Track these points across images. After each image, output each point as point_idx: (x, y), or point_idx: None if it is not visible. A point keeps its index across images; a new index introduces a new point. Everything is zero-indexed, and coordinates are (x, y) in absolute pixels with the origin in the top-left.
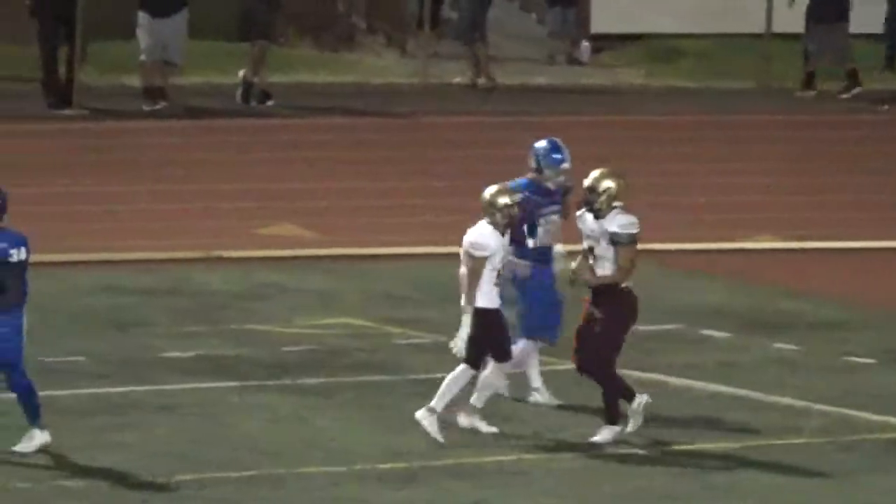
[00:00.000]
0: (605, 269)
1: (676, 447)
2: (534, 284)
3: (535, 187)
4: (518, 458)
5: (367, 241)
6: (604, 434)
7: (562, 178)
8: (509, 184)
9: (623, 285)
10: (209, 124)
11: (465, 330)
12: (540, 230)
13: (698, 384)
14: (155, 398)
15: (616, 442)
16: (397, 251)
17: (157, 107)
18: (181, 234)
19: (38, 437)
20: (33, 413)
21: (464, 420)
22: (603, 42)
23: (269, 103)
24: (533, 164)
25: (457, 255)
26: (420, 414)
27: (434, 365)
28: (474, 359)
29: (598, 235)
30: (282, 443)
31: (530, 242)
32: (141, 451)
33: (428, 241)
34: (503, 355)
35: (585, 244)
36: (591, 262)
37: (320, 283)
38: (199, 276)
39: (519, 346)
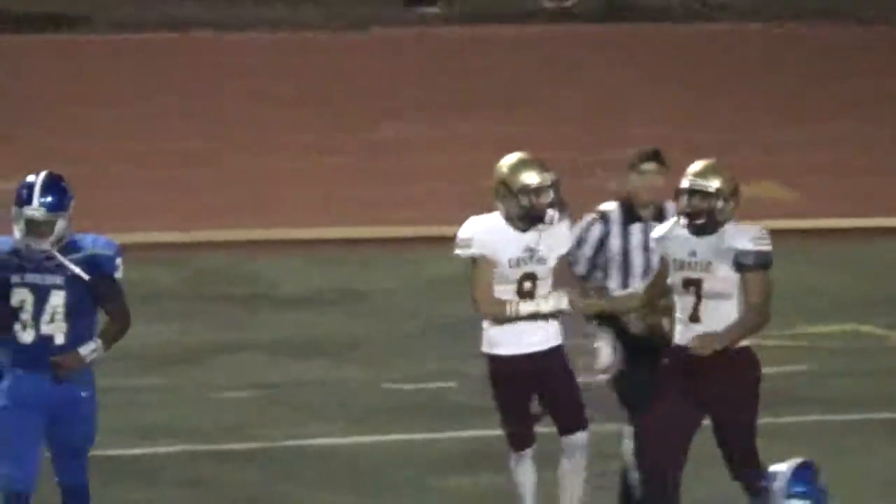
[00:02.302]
0: (727, 312)
1: None
2: None
3: None
4: None
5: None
6: None
7: None
8: None
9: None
10: (636, 29)
11: None
12: None
13: None
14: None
15: None
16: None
17: (567, 3)
18: None
19: None
20: None
21: None
22: None
23: None
24: None
25: None
26: None
27: None
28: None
29: (707, 260)
30: None
31: None
32: None
33: None
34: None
35: (678, 277)
36: (690, 305)
37: (807, 268)
38: None
39: None
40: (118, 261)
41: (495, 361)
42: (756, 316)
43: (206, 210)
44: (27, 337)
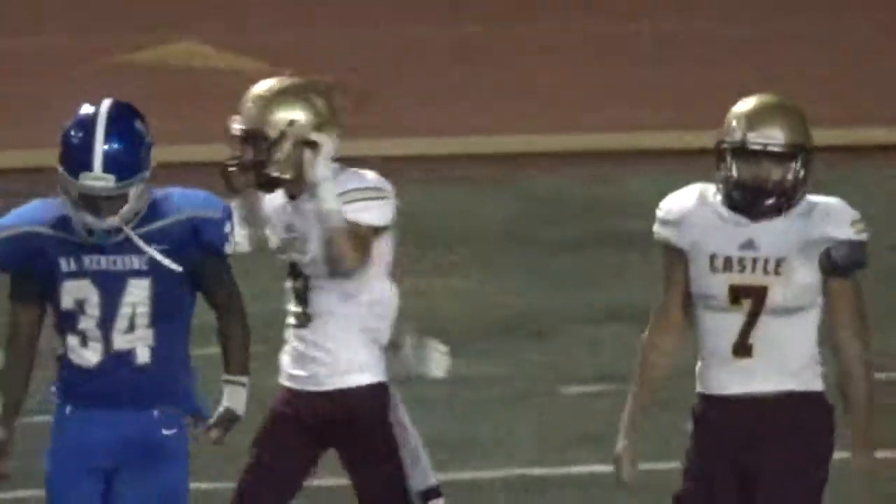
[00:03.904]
0: (795, 337)
1: None
2: None
3: None
4: None
5: None
6: None
7: None
8: None
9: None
10: None
11: None
12: None
13: None
14: None
15: None
16: None
17: None
18: None
19: None
20: None
21: None
22: None
23: None
24: None
25: None
26: None
27: None
28: None
29: (779, 256)
30: None
31: None
32: None
33: None
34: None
35: (718, 285)
36: (737, 327)
37: None
38: None
39: None
40: (228, 227)
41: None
42: (865, 357)
43: None
44: (90, 356)
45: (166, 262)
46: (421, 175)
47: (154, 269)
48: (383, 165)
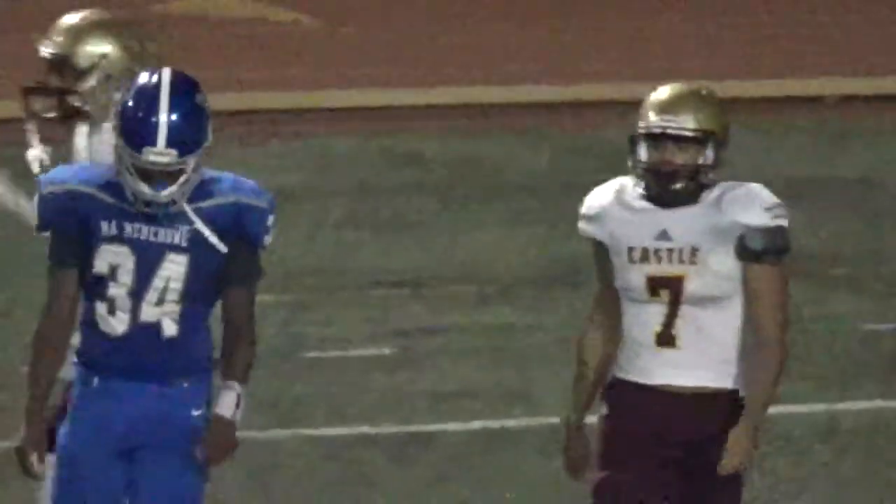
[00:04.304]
0: (718, 327)
1: None
2: None
3: None
4: None
5: None
6: None
7: None
8: None
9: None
10: None
11: None
12: None
13: None
14: None
15: None
16: None
17: None
18: None
19: None
20: None
21: None
22: None
23: None
24: None
25: None
26: None
27: None
28: None
29: (692, 244)
30: None
31: None
32: None
33: None
34: None
35: (636, 276)
36: (660, 318)
37: None
38: None
39: None
40: (270, 220)
41: None
42: (778, 348)
43: None
44: (116, 325)
45: (213, 239)
46: (459, 124)
47: (193, 247)
48: (424, 113)
